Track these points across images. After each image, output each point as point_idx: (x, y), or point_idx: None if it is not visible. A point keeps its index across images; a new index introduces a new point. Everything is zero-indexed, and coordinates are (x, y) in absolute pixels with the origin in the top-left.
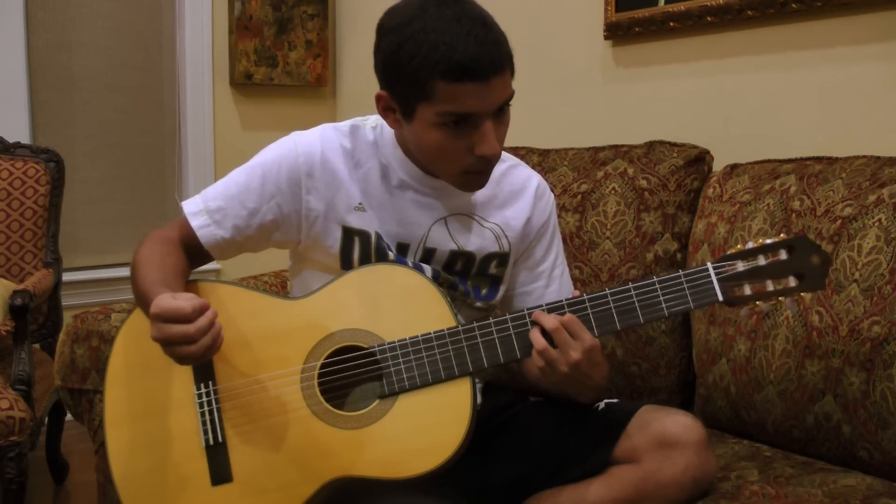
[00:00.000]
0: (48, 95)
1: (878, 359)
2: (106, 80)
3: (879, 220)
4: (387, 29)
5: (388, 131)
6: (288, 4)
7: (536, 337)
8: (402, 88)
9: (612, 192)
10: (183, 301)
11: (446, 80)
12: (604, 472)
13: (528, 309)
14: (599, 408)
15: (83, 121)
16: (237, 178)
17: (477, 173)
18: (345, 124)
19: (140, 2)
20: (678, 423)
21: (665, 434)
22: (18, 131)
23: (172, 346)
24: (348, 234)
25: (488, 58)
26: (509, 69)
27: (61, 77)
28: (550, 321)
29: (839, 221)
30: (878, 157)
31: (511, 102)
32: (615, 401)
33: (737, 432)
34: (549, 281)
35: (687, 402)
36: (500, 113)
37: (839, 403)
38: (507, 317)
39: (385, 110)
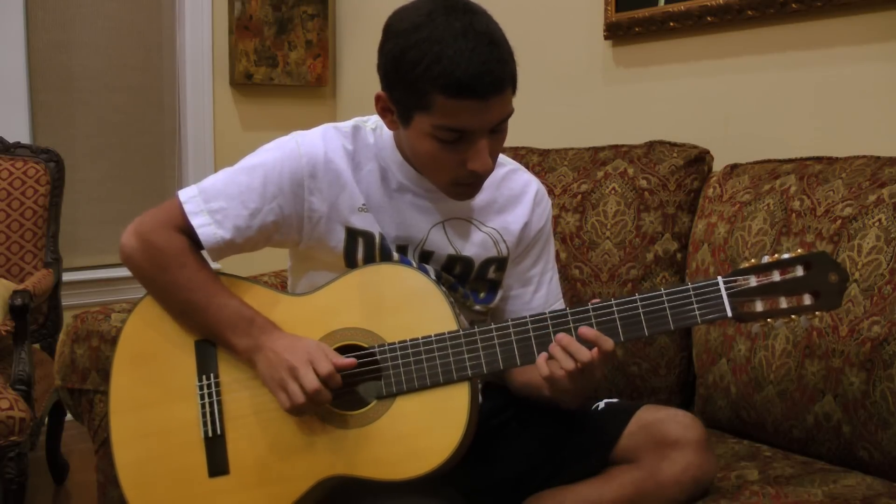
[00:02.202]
0: (48, 95)
1: (878, 359)
2: (106, 80)
3: (879, 220)
4: (393, 32)
5: (387, 134)
6: (288, 4)
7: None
8: (401, 94)
9: (612, 192)
10: (328, 364)
11: (445, 94)
12: (604, 472)
13: (530, 316)
14: (599, 408)
15: (83, 121)
16: (237, 177)
17: (467, 185)
18: (346, 125)
19: (140, 2)
20: (678, 423)
21: (665, 434)
22: (18, 131)
23: (290, 383)
24: (352, 234)
25: (490, 76)
26: (511, 88)
27: (61, 77)
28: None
29: (839, 221)
30: (878, 157)
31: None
32: (615, 401)
33: (737, 432)
34: (537, 286)
35: (687, 402)
36: (497, 129)
37: (839, 403)
38: (509, 322)
39: (383, 111)
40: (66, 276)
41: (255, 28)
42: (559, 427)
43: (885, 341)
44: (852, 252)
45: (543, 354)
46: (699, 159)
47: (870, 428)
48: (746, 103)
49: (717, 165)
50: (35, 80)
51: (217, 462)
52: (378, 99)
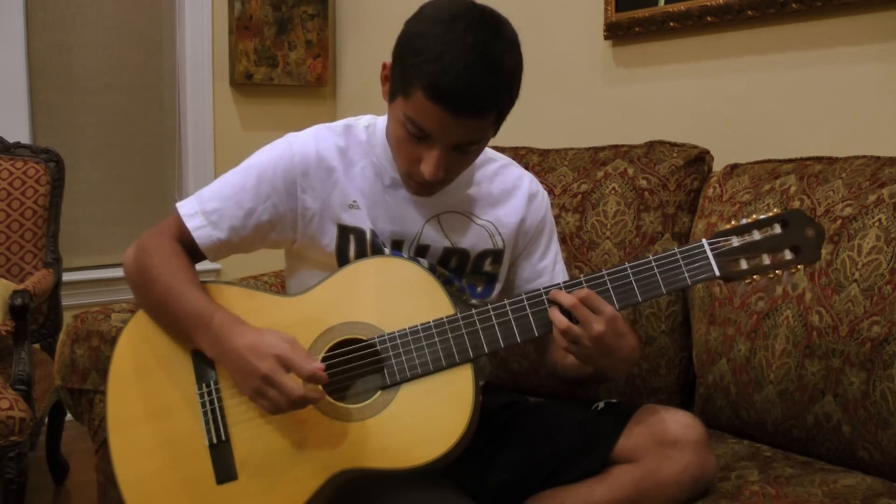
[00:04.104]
0: (48, 95)
1: (878, 359)
2: (106, 80)
3: (879, 220)
4: (420, 15)
5: (380, 131)
6: (288, 4)
7: (558, 316)
8: (395, 71)
9: (612, 192)
10: (308, 364)
11: (424, 92)
12: (603, 472)
13: (526, 293)
14: (599, 407)
15: (83, 121)
16: (232, 179)
17: (418, 182)
18: (338, 124)
19: (140, 2)
20: (677, 423)
21: (664, 433)
22: (18, 131)
23: (269, 391)
24: (344, 231)
25: (471, 98)
26: (492, 117)
27: (61, 77)
28: (568, 298)
29: (839, 221)
30: (878, 157)
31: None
32: (615, 401)
33: (737, 432)
34: (552, 276)
35: (687, 402)
36: (462, 149)
37: (839, 403)
38: (506, 301)
39: (384, 78)
40: (66, 276)
41: (255, 28)
42: (559, 427)
43: (885, 341)
44: (852, 252)
45: (557, 330)
46: (699, 159)
47: (870, 428)
48: (746, 103)
49: (717, 165)
50: (35, 80)
51: (224, 468)
52: (384, 66)
